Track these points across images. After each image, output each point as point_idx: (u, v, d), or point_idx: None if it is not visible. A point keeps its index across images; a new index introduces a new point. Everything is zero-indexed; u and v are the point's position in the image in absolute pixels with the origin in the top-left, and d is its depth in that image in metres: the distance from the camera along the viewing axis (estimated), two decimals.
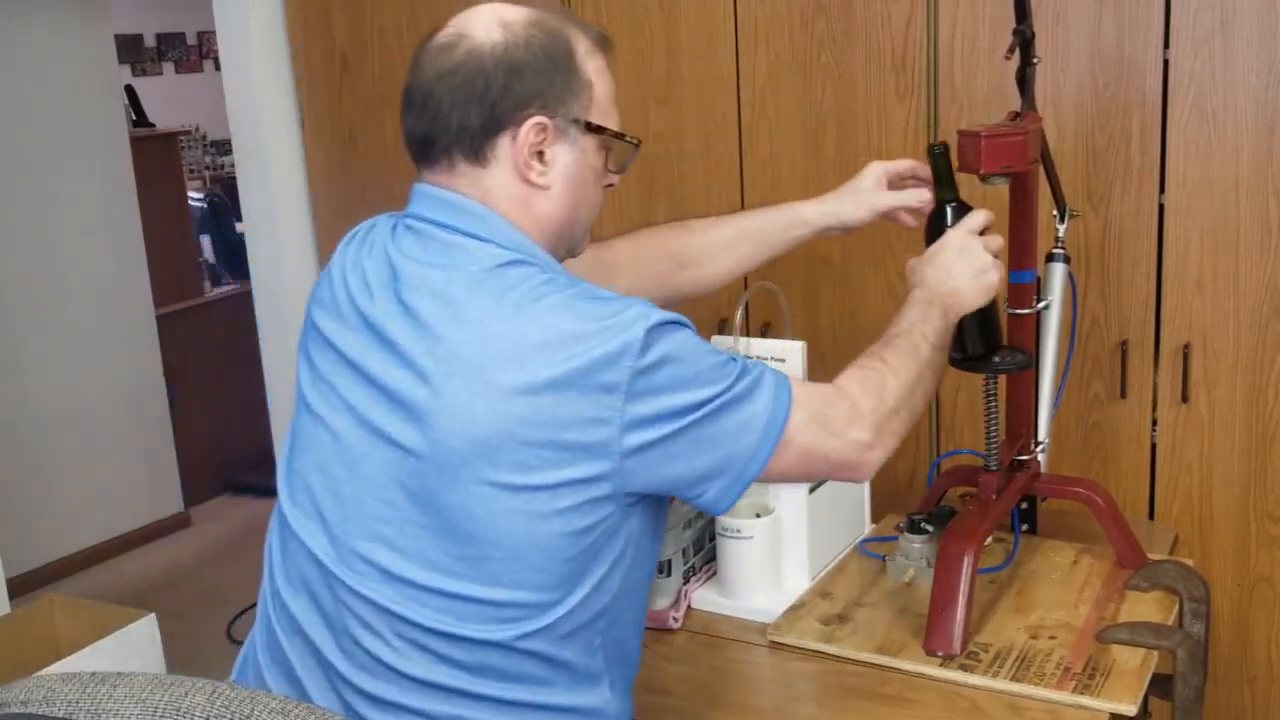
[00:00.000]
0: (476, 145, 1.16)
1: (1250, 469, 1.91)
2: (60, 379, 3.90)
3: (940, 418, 2.13)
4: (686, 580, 1.63)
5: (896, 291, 2.11)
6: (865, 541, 1.73)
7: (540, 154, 1.18)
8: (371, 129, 2.60)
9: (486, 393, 1.06)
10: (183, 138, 5.75)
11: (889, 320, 1.34)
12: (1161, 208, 1.91)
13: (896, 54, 2.05)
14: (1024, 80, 1.56)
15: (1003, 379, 1.60)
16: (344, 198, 2.69)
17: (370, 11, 2.55)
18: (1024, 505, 1.69)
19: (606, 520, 1.10)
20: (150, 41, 6.30)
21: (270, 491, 1.26)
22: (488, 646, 1.10)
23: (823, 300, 2.20)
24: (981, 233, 1.41)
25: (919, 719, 1.33)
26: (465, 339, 1.08)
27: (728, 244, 1.60)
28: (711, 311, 2.19)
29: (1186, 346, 1.92)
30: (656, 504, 1.18)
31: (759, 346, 1.64)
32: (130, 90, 5.08)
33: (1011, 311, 1.58)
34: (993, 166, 1.43)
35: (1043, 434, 1.66)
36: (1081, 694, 1.32)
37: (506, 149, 1.17)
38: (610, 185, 1.27)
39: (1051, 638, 1.44)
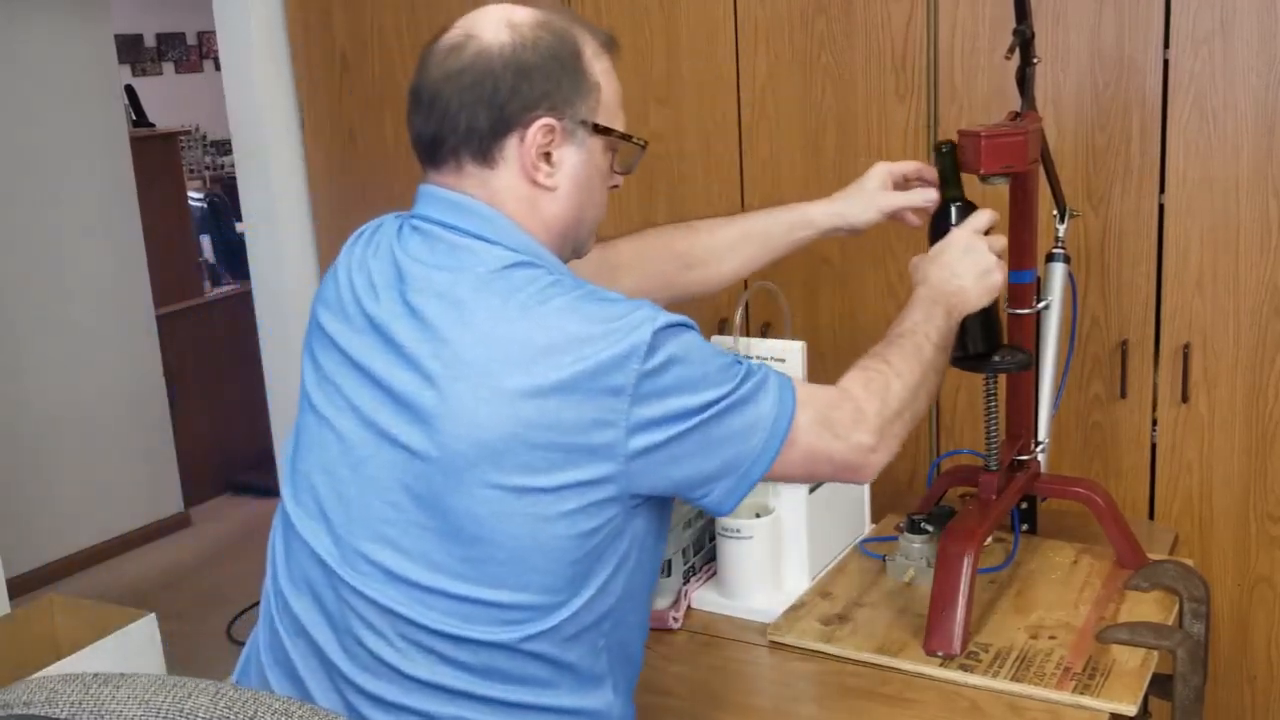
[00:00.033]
0: (484, 146, 1.16)
1: (1250, 469, 1.91)
2: (60, 379, 3.90)
3: (940, 418, 2.13)
4: (686, 580, 1.63)
5: (896, 292, 2.11)
6: (865, 541, 1.73)
7: (548, 155, 1.18)
8: (371, 129, 2.60)
9: (492, 397, 1.06)
10: (183, 138, 5.75)
11: (889, 321, 1.34)
12: (1161, 208, 1.91)
13: (896, 54, 2.05)
14: (1024, 80, 1.56)
15: (1003, 379, 1.60)
16: (344, 198, 2.69)
17: (370, 11, 2.55)
18: (1024, 505, 1.69)
19: (611, 522, 1.10)
20: (150, 41, 6.30)
21: (270, 491, 1.26)
22: (492, 648, 1.10)
23: (823, 300, 2.20)
24: (986, 233, 1.41)
25: (919, 719, 1.33)
26: (471, 342, 1.08)
27: (733, 245, 1.60)
28: (711, 312, 2.19)
29: (1186, 346, 1.92)
30: (661, 506, 1.18)
31: (759, 347, 1.64)
32: (130, 90, 5.08)
33: (1011, 311, 1.58)
34: (993, 166, 1.43)
35: (1043, 434, 1.66)
36: (1081, 694, 1.32)
37: (514, 150, 1.17)
38: (615, 186, 1.27)
39: (1051, 638, 1.44)
